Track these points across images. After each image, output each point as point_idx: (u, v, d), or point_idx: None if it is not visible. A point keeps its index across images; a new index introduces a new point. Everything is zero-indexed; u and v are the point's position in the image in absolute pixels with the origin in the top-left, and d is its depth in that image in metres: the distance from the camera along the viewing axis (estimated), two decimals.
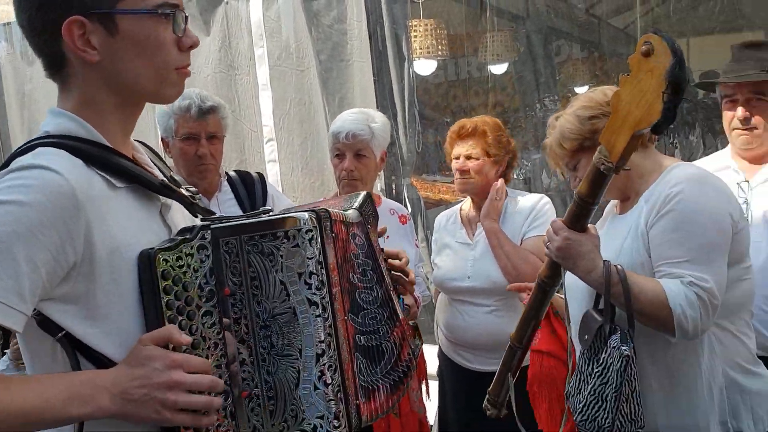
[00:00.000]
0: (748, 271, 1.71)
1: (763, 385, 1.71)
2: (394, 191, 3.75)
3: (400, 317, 1.39)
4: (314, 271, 1.13)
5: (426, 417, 2.54)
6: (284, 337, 1.14)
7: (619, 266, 1.57)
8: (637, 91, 1.35)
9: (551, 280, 1.72)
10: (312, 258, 1.12)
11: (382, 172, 3.22)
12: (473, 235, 2.55)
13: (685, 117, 4.00)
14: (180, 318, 1.07)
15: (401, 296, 1.60)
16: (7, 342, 3.04)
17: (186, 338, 1.05)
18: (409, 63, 3.66)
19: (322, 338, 1.13)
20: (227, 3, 3.69)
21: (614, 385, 1.53)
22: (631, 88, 1.37)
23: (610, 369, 1.54)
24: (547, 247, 1.65)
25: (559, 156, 1.82)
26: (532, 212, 2.49)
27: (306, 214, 1.13)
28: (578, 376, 1.66)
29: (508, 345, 1.88)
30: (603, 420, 1.55)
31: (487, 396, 1.96)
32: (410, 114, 3.61)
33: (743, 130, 2.17)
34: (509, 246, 2.42)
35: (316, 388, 1.13)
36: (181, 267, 1.08)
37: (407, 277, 1.57)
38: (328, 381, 1.13)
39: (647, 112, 1.34)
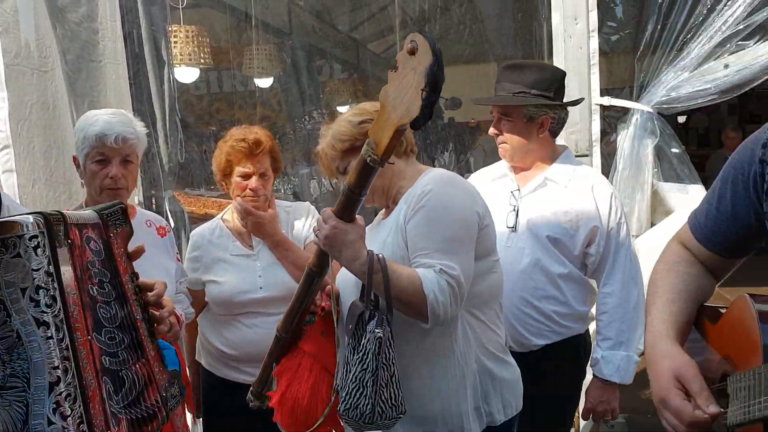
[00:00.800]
0: (496, 264, 1.86)
1: (511, 373, 1.88)
2: (154, 204, 3.51)
3: (148, 355, 1.25)
4: (42, 285, 0.96)
5: None
6: (5, 367, 0.95)
7: (380, 255, 1.64)
8: (401, 87, 1.38)
9: (319, 268, 1.74)
10: (39, 269, 0.96)
11: (140, 183, 2.99)
12: (251, 245, 2.45)
13: (440, 134, 4.29)
14: None
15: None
16: None
17: None
18: (170, 69, 3.46)
19: (56, 364, 0.98)
20: None
21: (372, 369, 1.57)
22: (397, 84, 1.40)
23: (368, 354, 1.57)
24: (316, 236, 1.68)
25: (331, 158, 1.88)
26: (308, 218, 2.50)
27: (31, 218, 0.96)
28: (344, 368, 1.67)
29: (275, 335, 1.89)
30: (364, 407, 1.57)
31: (251, 387, 1.95)
32: (171, 122, 3.40)
33: (498, 144, 2.39)
34: (293, 255, 2.38)
35: (50, 422, 0.97)
36: None
37: (162, 307, 1.46)
38: (67, 412, 0.98)
39: (408, 108, 1.37)
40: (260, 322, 2.38)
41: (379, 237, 1.81)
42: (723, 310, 1.26)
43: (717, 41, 3.09)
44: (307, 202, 2.63)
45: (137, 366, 1.21)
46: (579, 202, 2.28)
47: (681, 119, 9.50)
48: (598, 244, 2.27)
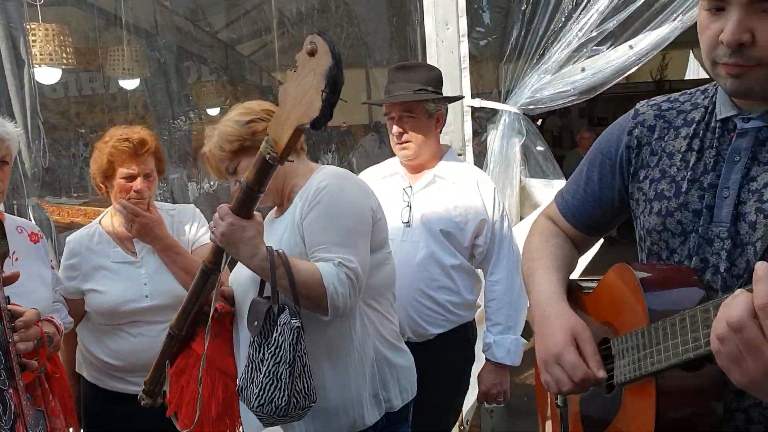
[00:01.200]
0: (389, 257, 1.93)
1: (406, 360, 1.95)
2: (16, 213, 3.27)
3: (18, 384, 1.19)
4: None
5: None
6: None
7: (280, 250, 1.64)
8: (301, 87, 1.40)
9: (214, 266, 1.73)
10: None
11: None
12: (134, 251, 2.35)
13: (322, 135, 4.33)
14: None
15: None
16: None
17: None
18: (29, 69, 3.25)
19: None
20: None
21: (288, 361, 1.58)
22: (297, 84, 1.41)
23: (283, 346, 1.58)
24: (213, 232, 1.66)
25: (220, 159, 1.85)
26: (195, 221, 2.44)
27: None
28: (249, 366, 1.66)
29: (168, 332, 1.86)
30: (280, 399, 1.58)
31: (143, 386, 1.91)
32: (33, 125, 3.20)
33: (401, 144, 2.43)
34: (183, 260, 2.30)
35: None
36: None
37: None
38: None
39: (308, 108, 1.40)
40: (147, 330, 2.29)
41: (275, 234, 1.81)
42: (587, 283, 1.38)
43: (574, 47, 3.36)
44: (192, 205, 2.56)
45: (10, 392, 1.14)
46: (467, 198, 2.40)
47: (537, 122, 10.11)
48: (485, 236, 2.41)
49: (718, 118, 1.19)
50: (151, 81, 4.98)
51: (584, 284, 1.43)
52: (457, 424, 3.52)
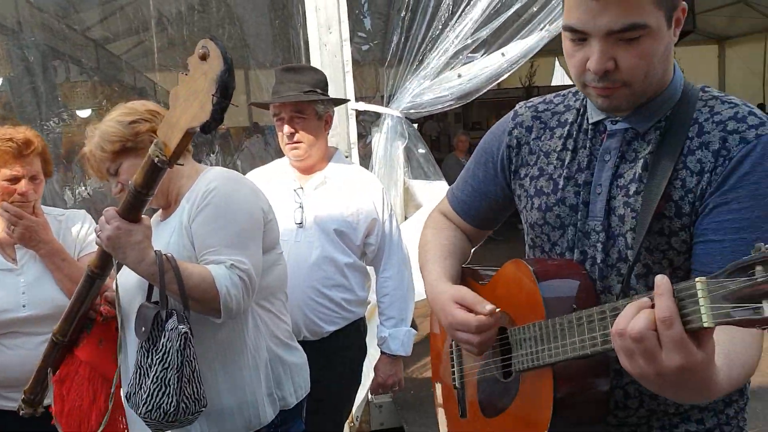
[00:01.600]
0: (280, 257, 1.95)
1: (299, 357, 1.98)
2: None
3: None
4: None
5: None
6: None
7: (169, 254, 1.62)
8: (192, 90, 1.40)
9: (101, 270, 1.70)
10: None
11: None
12: (15, 258, 2.23)
13: (205, 137, 4.25)
14: None
15: None
16: None
17: None
18: None
19: None
20: None
21: (176, 366, 1.56)
22: (188, 88, 1.41)
23: (170, 352, 1.56)
24: (98, 236, 1.61)
25: (101, 160, 1.80)
26: (83, 226, 2.35)
27: None
28: (137, 372, 1.64)
29: (50, 339, 1.81)
30: (168, 405, 1.56)
31: (23, 395, 1.86)
32: None
33: (292, 144, 2.42)
34: (69, 267, 2.20)
35: None
36: None
37: None
38: None
39: (199, 112, 1.40)
40: (23, 342, 2.17)
41: (162, 238, 1.78)
42: (487, 272, 1.47)
43: (451, 53, 3.53)
44: (83, 210, 2.46)
45: None
46: (358, 199, 2.46)
47: (415, 126, 10.43)
48: (376, 235, 2.49)
49: (590, 121, 1.30)
50: (15, 81, 4.71)
51: (477, 271, 1.52)
52: (348, 421, 3.59)
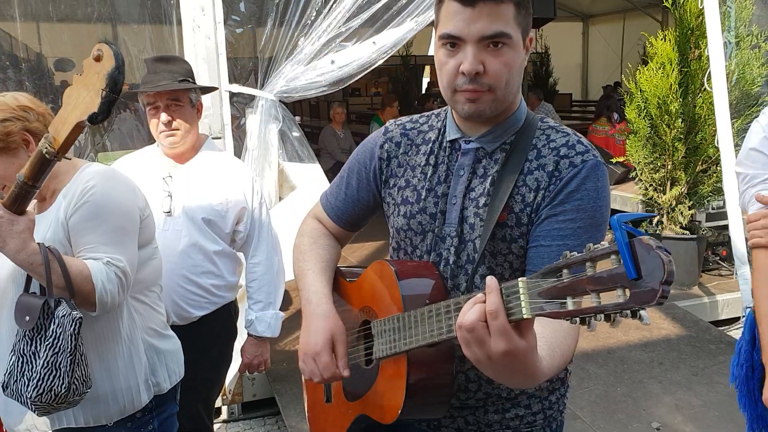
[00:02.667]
0: (156, 251, 2.03)
1: (173, 344, 2.09)
2: None
3: None
4: None
5: None
6: None
7: (52, 246, 1.68)
8: (84, 88, 1.50)
9: None
10: None
11: None
12: None
13: None
14: None
15: None
16: None
17: None
18: None
19: None
20: None
21: (69, 350, 1.65)
22: (80, 86, 1.50)
23: (62, 337, 1.64)
24: None
25: None
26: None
27: None
28: (18, 360, 1.70)
29: None
30: (59, 387, 1.65)
31: None
32: None
33: (168, 131, 2.46)
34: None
35: None
36: None
37: None
38: None
39: (88, 105, 1.49)
40: None
41: (38, 232, 1.79)
42: (354, 271, 1.64)
43: (324, 41, 3.64)
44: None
45: None
46: (227, 187, 2.55)
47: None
48: (246, 223, 2.60)
49: (448, 139, 1.47)
50: None
51: (347, 270, 1.68)
52: (221, 394, 3.73)
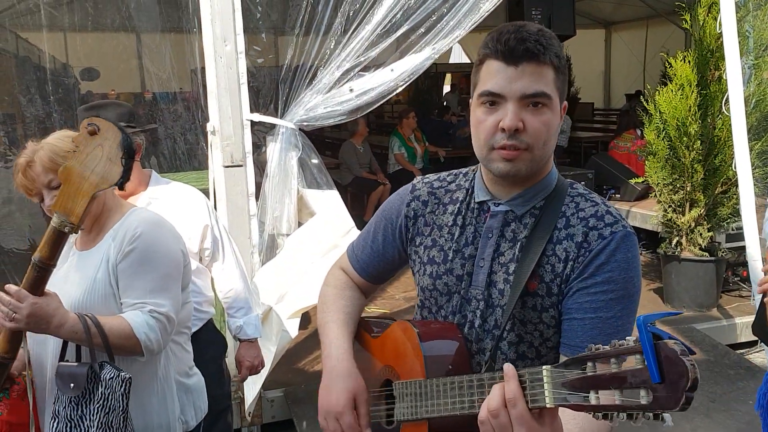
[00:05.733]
0: (189, 295, 2.12)
1: (198, 381, 2.18)
2: None
3: None
4: None
5: None
6: None
7: (89, 314, 1.76)
8: (89, 161, 1.59)
9: (12, 353, 1.77)
10: None
11: None
12: None
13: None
14: None
15: None
16: None
17: None
18: None
19: None
20: None
21: (121, 409, 1.74)
22: (81, 161, 1.59)
23: (111, 398, 1.73)
24: (12, 319, 1.69)
25: (45, 172, 1.86)
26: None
27: None
28: (66, 426, 1.77)
29: None
30: None
31: None
32: None
33: None
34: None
35: None
36: None
37: None
38: None
39: (105, 175, 1.60)
40: None
41: (87, 270, 1.88)
42: (379, 325, 1.65)
43: (343, 70, 3.70)
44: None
45: None
46: (186, 212, 2.61)
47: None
48: (210, 240, 2.70)
49: (477, 200, 1.47)
50: None
51: (373, 321, 1.69)
52: (240, 417, 3.81)
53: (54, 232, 1.62)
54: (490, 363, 1.37)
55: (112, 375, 1.74)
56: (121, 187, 1.65)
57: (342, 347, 1.56)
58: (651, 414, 0.91)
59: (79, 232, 1.96)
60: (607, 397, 0.96)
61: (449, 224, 1.51)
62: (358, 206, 7.47)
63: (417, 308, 1.62)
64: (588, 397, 0.97)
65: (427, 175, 1.66)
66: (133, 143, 1.67)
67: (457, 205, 1.52)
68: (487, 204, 1.47)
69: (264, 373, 3.01)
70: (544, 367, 1.06)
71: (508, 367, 1.11)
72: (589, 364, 0.98)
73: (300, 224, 3.88)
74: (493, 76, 1.33)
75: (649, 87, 5.95)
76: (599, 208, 1.40)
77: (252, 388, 3.73)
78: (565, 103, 1.41)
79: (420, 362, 1.40)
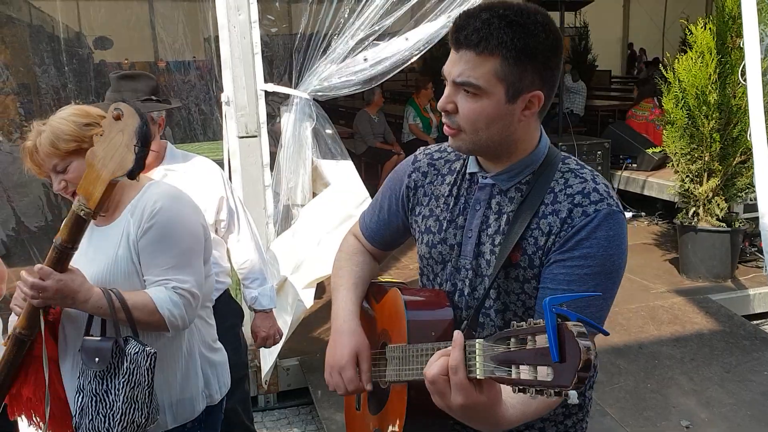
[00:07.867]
0: (210, 268, 2.10)
1: (222, 356, 2.18)
2: None
3: None
4: None
5: None
6: None
7: (114, 289, 1.77)
8: (110, 147, 1.57)
9: (30, 330, 1.79)
10: None
11: None
12: None
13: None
14: None
15: None
16: None
17: None
18: None
19: None
20: None
21: (147, 383, 1.76)
22: (105, 146, 1.57)
23: (137, 372, 1.74)
24: (36, 297, 1.70)
25: (50, 156, 1.84)
26: None
27: None
28: (91, 400, 1.79)
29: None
30: (141, 418, 1.76)
31: None
32: None
33: None
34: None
35: None
36: None
37: None
38: None
39: (121, 163, 1.57)
40: None
41: (108, 248, 1.86)
42: (381, 292, 1.69)
43: (357, 39, 3.67)
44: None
45: None
46: (202, 183, 2.61)
47: None
48: (226, 212, 2.71)
49: (468, 172, 1.51)
50: None
51: (381, 286, 1.72)
52: (257, 385, 3.87)
53: (74, 216, 1.63)
54: (468, 330, 1.41)
55: (137, 350, 1.75)
56: (132, 177, 1.61)
57: (348, 309, 1.63)
58: (552, 390, 0.96)
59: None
60: (524, 372, 1.00)
61: (445, 194, 1.55)
62: (372, 176, 7.45)
63: (419, 276, 1.67)
64: (510, 371, 1.03)
65: (429, 146, 1.69)
66: (150, 132, 1.64)
67: (454, 175, 1.56)
68: (476, 176, 1.50)
69: (280, 342, 3.04)
70: (477, 340, 1.11)
71: (457, 334, 1.15)
72: (513, 340, 1.03)
73: (315, 195, 3.89)
74: (449, 57, 1.39)
75: (668, 55, 5.83)
76: (587, 185, 1.40)
77: (268, 357, 3.78)
78: (539, 92, 1.36)
79: (404, 330, 1.46)
